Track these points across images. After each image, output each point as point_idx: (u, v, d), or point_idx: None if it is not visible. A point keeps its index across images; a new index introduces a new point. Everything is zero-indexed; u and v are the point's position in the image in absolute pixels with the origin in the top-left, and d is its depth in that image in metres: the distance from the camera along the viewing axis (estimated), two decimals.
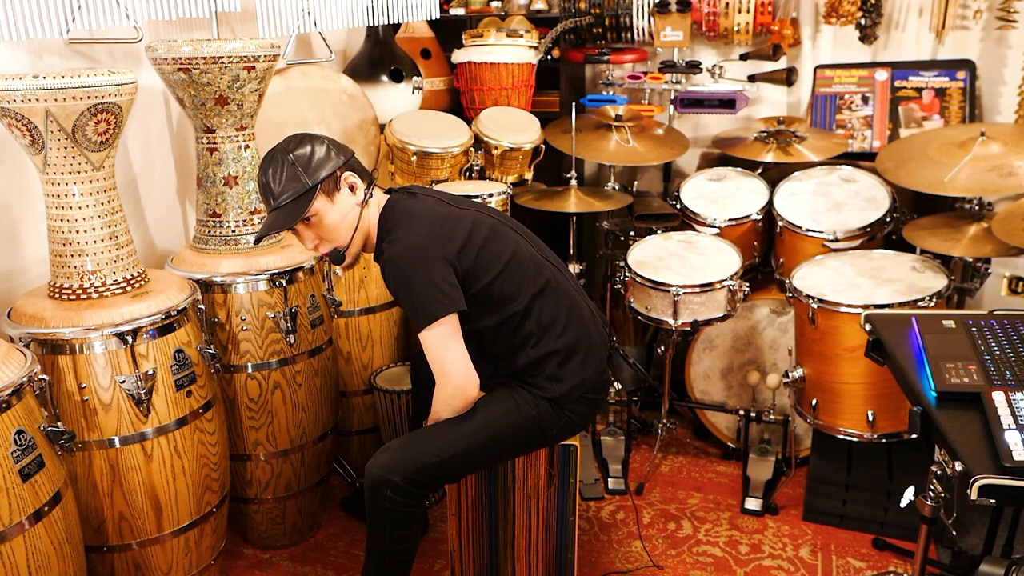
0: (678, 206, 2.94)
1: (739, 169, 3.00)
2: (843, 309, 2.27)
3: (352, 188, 1.84)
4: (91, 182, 1.85)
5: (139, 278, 1.97)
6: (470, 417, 1.85)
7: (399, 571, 1.88)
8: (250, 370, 2.23)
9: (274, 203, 1.79)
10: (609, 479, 2.72)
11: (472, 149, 2.90)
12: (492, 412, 1.87)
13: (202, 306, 2.07)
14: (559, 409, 1.87)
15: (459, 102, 3.31)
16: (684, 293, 2.49)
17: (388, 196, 1.92)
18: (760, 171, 2.98)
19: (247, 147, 2.24)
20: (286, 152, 1.78)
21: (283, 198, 1.77)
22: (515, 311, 1.85)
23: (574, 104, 2.91)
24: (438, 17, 3.36)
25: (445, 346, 1.76)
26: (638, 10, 3.13)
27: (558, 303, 1.90)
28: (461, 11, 3.39)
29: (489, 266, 1.81)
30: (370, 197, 1.87)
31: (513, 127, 2.99)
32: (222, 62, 2.05)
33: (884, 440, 2.33)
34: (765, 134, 2.92)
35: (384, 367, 2.74)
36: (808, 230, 2.65)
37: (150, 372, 1.86)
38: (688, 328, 2.56)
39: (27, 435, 1.57)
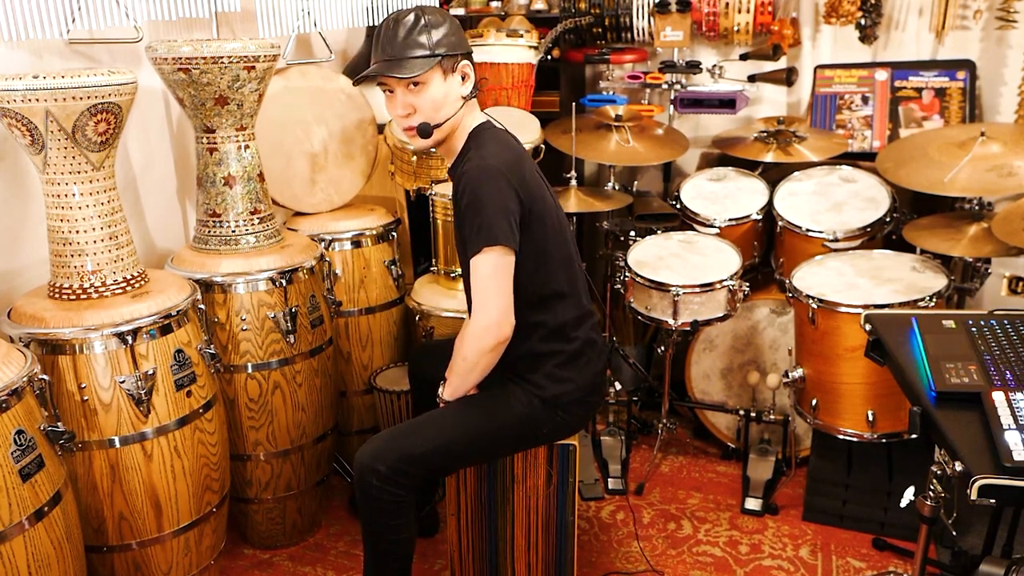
0: (678, 206, 2.94)
1: (739, 169, 3.00)
2: (843, 309, 2.27)
3: (464, 78, 1.83)
4: (91, 182, 1.85)
5: (139, 278, 1.97)
6: (459, 410, 1.85)
7: (397, 562, 1.87)
8: (250, 370, 2.23)
9: (391, 52, 1.75)
10: (609, 479, 2.72)
11: None
12: (482, 407, 1.86)
13: (202, 306, 2.06)
14: (551, 409, 1.86)
15: None
16: (684, 293, 2.49)
17: (485, 118, 1.91)
18: (760, 171, 2.98)
19: (247, 147, 2.24)
20: (422, 14, 1.76)
21: (401, 50, 1.75)
22: (539, 296, 1.83)
23: (574, 104, 2.91)
24: None
25: (495, 275, 1.72)
26: (638, 10, 3.13)
27: (577, 307, 1.90)
28: (461, 11, 3.39)
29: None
30: (473, 97, 1.86)
31: (513, 127, 2.95)
32: (222, 62, 2.05)
33: (884, 440, 2.33)
34: (765, 134, 2.92)
35: (384, 367, 2.74)
36: (808, 230, 2.65)
37: (150, 372, 1.86)
38: (688, 328, 2.56)
39: (27, 435, 1.57)
